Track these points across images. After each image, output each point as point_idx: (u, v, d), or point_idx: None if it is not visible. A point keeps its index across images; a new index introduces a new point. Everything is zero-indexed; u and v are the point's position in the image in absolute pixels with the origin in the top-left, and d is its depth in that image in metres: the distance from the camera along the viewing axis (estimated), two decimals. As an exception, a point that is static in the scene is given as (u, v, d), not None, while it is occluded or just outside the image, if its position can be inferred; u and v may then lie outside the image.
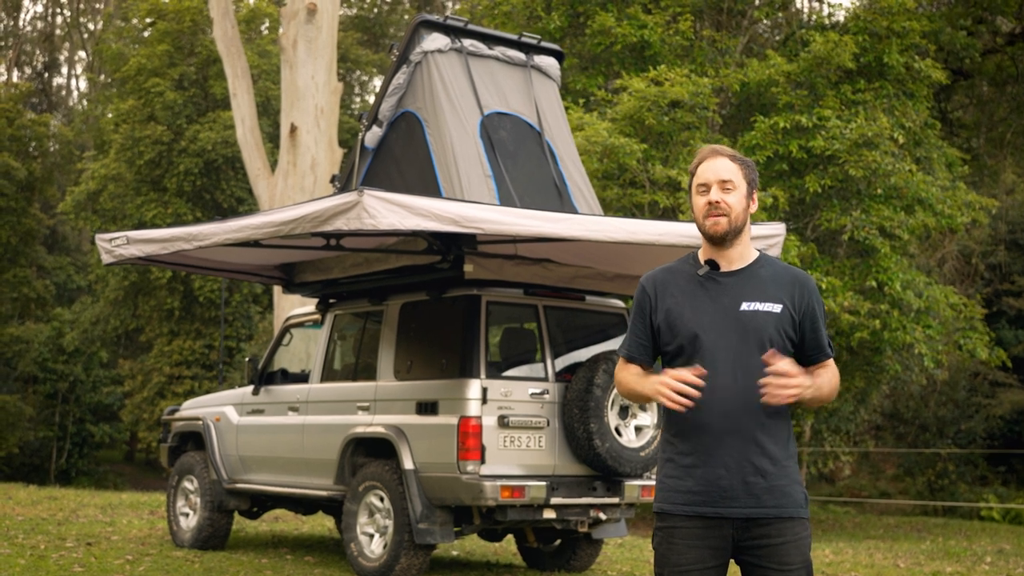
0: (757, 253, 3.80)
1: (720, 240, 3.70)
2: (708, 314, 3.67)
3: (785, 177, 16.72)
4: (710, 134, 16.95)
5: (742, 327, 3.63)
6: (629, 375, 3.78)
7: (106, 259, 8.04)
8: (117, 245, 7.96)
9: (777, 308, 3.66)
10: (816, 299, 3.73)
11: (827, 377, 3.71)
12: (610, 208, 15.48)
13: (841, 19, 19.50)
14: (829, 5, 20.26)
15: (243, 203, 27.74)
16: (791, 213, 17.26)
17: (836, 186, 16.40)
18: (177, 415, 10.90)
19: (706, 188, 3.71)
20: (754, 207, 3.78)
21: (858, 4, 18.73)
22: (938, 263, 21.71)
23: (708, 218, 3.70)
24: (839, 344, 16.32)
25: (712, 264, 3.75)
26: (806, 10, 24.22)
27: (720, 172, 3.70)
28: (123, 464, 35.65)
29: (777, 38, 20.82)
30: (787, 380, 3.52)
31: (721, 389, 3.59)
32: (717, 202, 3.67)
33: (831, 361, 3.75)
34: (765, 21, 20.64)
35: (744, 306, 3.66)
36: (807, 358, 3.74)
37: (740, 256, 3.75)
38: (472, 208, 6.98)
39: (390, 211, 6.54)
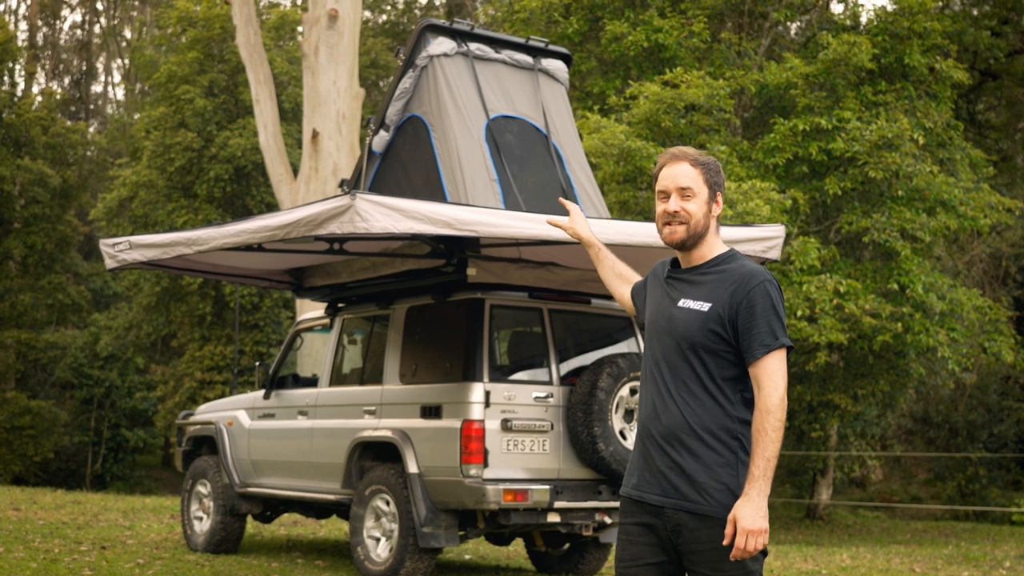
0: (720, 251, 3.77)
1: (678, 247, 3.75)
2: (657, 311, 3.76)
3: (805, 179, 16.63)
4: (729, 137, 16.87)
5: (672, 325, 3.67)
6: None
7: (109, 264, 8.10)
8: (120, 250, 8.03)
9: (705, 306, 3.63)
10: (758, 295, 3.59)
11: (765, 435, 3.52)
12: (629, 211, 15.44)
13: (865, 20, 19.34)
14: (855, 5, 20.06)
15: (272, 209, 27.86)
16: (812, 216, 17.15)
17: (857, 188, 16.29)
18: (191, 419, 10.98)
19: (665, 196, 3.73)
20: (718, 209, 3.76)
21: (878, 5, 18.57)
22: (966, 265, 21.49)
23: (665, 226, 3.72)
24: (862, 347, 16.19)
25: (675, 264, 3.82)
26: (839, 10, 24.02)
27: (679, 179, 3.70)
28: (160, 469, 35.88)
29: (801, 40, 20.68)
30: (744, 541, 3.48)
31: (657, 387, 3.68)
32: (675, 212, 3.68)
33: (766, 361, 3.56)
34: (788, 23, 20.49)
35: (680, 303, 3.69)
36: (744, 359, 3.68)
37: (701, 257, 3.76)
38: (466, 211, 6.98)
39: (383, 215, 6.55)
